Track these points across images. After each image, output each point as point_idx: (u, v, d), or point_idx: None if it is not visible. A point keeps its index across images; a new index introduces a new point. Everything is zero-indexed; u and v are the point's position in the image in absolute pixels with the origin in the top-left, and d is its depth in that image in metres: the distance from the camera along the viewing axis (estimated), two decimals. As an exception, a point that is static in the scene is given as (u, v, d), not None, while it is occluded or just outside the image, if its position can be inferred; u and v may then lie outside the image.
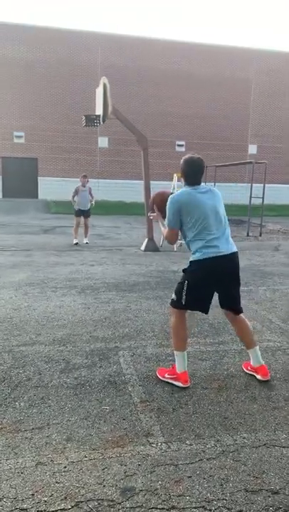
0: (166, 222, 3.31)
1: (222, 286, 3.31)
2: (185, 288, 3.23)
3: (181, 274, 3.36)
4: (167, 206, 3.25)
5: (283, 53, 26.68)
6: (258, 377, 3.38)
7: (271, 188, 22.45)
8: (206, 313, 3.35)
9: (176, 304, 3.31)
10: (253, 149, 26.80)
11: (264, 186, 13.48)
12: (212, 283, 3.25)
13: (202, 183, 3.36)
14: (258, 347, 3.46)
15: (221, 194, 3.43)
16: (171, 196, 3.27)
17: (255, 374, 3.43)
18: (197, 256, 3.20)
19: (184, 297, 3.24)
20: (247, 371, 3.51)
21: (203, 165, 3.34)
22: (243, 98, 26.27)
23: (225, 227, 3.33)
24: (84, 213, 10.56)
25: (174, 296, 3.34)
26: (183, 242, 3.67)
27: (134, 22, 57.09)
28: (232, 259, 3.27)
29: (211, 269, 3.19)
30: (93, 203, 10.80)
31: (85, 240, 10.53)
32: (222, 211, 3.33)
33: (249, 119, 26.74)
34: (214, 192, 3.34)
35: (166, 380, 3.32)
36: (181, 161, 3.34)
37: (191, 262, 3.27)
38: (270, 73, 26.32)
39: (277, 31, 63.34)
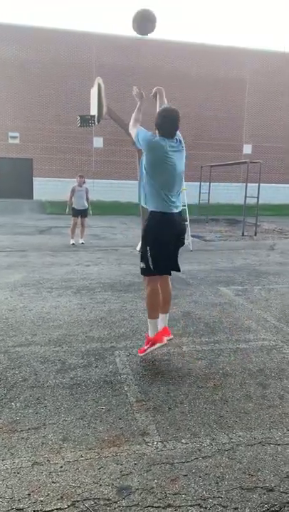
0: (137, 130, 3.51)
1: (175, 244, 3.59)
2: (149, 253, 3.47)
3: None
4: (149, 136, 3.41)
5: (278, 53, 26.77)
6: (158, 344, 3.62)
7: (266, 187, 22.52)
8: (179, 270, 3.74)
9: (146, 272, 3.56)
10: (247, 149, 26.86)
11: (259, 186, 13.52)
12: (169, 238, 3.50)
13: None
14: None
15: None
16: (154, 136, 3.43)
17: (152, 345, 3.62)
18: (157, 209, 3.44)
19: (150, 264, 3.49)
20: (144, 352, 3.66)
21: (178, 116, 3.44)
22: (237, 98, 26.33)
23: (180, 187, 3.59)
24: (81, 213, 10.52)
25: (142, 264, 3.55)
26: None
27: (128, 22, 57.15)
28: (181, 217, 3.65)
29: (165, 227, 3.45)
30: (87, 204, 10.56)
31: (81, 240, 10.52)
32: (182, 168, 3.57)
33: (244, 119, 26.81)
34: (183, 149, 3.52)
35: (148, 351, 3.61)
36: (157, 112, 3.47)
37: (150, 214, 3.51)
38: (264, 73, 26.39)
39: (271, 31, 63.54)
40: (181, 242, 3.69)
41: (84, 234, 10.72)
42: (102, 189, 24.39)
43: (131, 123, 3.64)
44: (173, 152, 3.42)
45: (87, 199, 10.56)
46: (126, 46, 24.42)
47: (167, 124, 3.41)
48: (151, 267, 3.51)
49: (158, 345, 3.62)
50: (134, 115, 3.67)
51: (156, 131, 3.47)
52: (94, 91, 9.84)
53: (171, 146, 3.43)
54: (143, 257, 3.55)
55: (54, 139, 24.45)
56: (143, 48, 24.62)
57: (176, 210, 3.53)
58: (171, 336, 3.79)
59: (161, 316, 3.74)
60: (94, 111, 9.82)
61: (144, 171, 3.53)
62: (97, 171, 25.12)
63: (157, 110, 3.75)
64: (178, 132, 3.54)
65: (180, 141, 3.53)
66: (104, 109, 9.31)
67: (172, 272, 3.79)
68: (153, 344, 3.62)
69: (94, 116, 9.81)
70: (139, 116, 3.67)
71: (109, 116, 9.53)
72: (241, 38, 61.53)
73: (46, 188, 24.28)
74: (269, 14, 65.37)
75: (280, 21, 64.05)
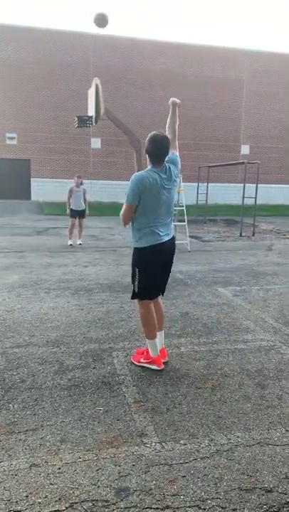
0: (125, 198, 3.35)
1: (164, 270, 3.60)
2: (137, 276, 3.46)
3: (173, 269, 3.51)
4: (130, 182, 3.29)
5: (275, 54, 26.82)
6: (162, 366, 3.55)
7: (264, 188, 22.55)
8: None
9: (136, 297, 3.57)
10: (245, 150, 26.90)
11: (256, 186, 13.53)
12: (159, 267, 3.51)
13: (164, 164, 3.38)
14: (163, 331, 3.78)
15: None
16: (136, 174, 3.33)
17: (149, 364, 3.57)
18: (143, 243, 3.40)
19: (136, 285, 3.49)
20: (139, 363, 3.60)
21: (167, 144, 3.32)
22: (235, 99, 26.37)
23: (171, 215, 3.54)
24: (79, 214, 10.47)
25: (132, 286, 3.55)
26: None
27: (125, 23, 57.14)
28: (172, 244, 3.57)
29: (157, 255, 3.44)
30: (85, 205, 10.49)
31: (79, 241, 10.49)
32: (173, 199, 3.52)
33: (241, 119, 26.85)
34: (172, 177, 3.41)
35: (141, 364, 3.55)
36: (146, 138, 3.36)
37: (137, 248, 3.47)
38: (262, 74, 26.44)
39: (268, 32, 63.69)
40: (170, 266, 3.66)
41: (82, 235, 10.69)
42: (100, 190, 24.38)
43: (122, 211, 3.40)
44: (163, 189, 3.32)
45: (85, 200, 10.50)
46: (123, 47, 24.43)
47: (156, 151, 3.30)
48: (136, 291, 3.51)
49: (154, 367, 3.51)
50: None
51: (147, 158, 3.38)
52: (91, 91, 9.84)
53: (162, 181, 3.31)
54: (132, 280, 3.53)
55: (52, 140, 24.43)
56: (140, 48, 24.63)
57: (166, 239, 3.46)
58: (167, 358, 3.69)
59: (157, 334, 3.63)
60: (91, 111, 9.82)
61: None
62: (95, 171, 25.11)
63: (167, 124, 3.72)
64: (175, 156, 3.49)
65: (169, 168, 3.39)
66: (102, 110, 9.31)
67: (170, 274, 3.76)
68: (150, 363, 3.54)
69: (91, 116, 9.82)
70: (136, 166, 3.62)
71: (106, 117, 9.53)
72: (239, 38, 61.63)
73: (44, 188, 24.26)
74: (266, 15, 65.53)
75: (278, 22, 64.23)
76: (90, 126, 10.22)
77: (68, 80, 23.78)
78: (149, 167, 3.38)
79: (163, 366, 3.54)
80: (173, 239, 3.58)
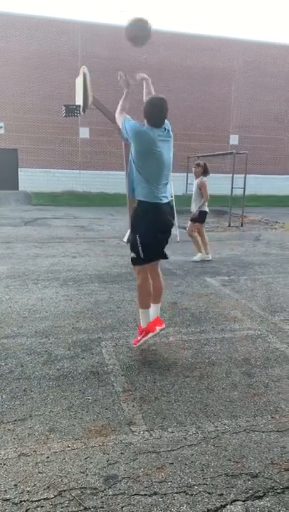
0: (123, 118, 3.46)
1: (165, 233, 3.62)
2: (139, 243, 3.48)
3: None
4: (136, 125, 3.38)
5: (265, 44, 26.71)
6: (151, 333, 3.62)
7: (252, 178, 22.62)
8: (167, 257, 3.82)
9: (137, 261, 3.59)
10: (234, 140, 26.88)
11: (245, 177, 13.57)
12: (159, 229, 3.55)
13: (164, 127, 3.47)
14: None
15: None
16: (142, 125, 3.41)
17: (145, 336, 3.64)
18: (145, 197, 3.44)
19: (140, 252, 3.51)
20: (138, 343, 3.68)
21: (166, 105, 3.41)
22: (224, 88, 26.26)
23: (169, 177, 3.59)
24: None
25: (132, 254, 3.58)
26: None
27: (115, 11, 56.34)
28: (171, 207, 3.66)
29: (155, 216, 3.47)
30: None
31: None
32: (171, 160, 3.57)
33: (231, 109, 26.79)
34: (171, 139, 3.51)
35: (141, 343, 3.63)
36: (144, 102, 3.46)
37: (138, 204, 3.52)
38: (251, 64, 26.35)
39: (259, 22, 63.36)
40: (169, 232, 3.69)
41: None
42: (89, 180, 24.23)
43: (117, 111, 3.59)
44: (161, 142, 3.40)
45: None
46: (111, 35, 24.13)
47: (155, 112, 3.39)
48: (142, 255, 3.52)
49: (150, 335, 3.62)
50: (120, 103, 3.62)
51: (145, 121, 3.45)
52: (79, 80, 9.72)
53: (159, 135, 3.41)
54: (133, 246, 3.56)
55: (39, 129, 24.13)
56: (129, 37, 24.32)
57: (165, 200, 3.52)
58: (164, 326, 3.76)
59: (153, 306, 3.74)
60: (79, 100, 9.70)
61: (132, 162, 3.51)
62: (84, 161, 24.91)
63: (144, 99, 3.73)
64: (166, 121, 3.52)
65: (168, 130, 3.52)
66: (90, 99, 9.20)
67: (159, 263, 3.79)
68: (146, 334, 3.63)
69: (79, 106, 9.70)
70: (126, 105, 3.63)
71: (94, 106, 9.44)
72: (229, 28, 61.25)
73: (32, 178, 24.02)
74: (257, 4, 65.12)
75: (269, 11, 63.90)
76: (78, 116, 10.10)
77: (56, 68, 23.44)
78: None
79: (158, 330, 3.63)
80: (171, 202, 3.65)
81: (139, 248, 3.50)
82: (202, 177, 7.61)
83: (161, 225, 3.57)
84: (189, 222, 7.72)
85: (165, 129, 3.48)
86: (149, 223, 3.49)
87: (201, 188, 7.50)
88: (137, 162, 3.43)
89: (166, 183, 3.57)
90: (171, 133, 3.55)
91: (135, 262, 3.61)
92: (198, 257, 7.60)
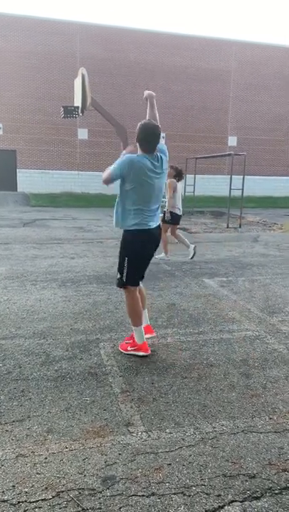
0: (110, 167, 3.39)
1: (148, 257, 3.67)
2: (126, 264, 3.51)
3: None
4: (119, 160, 3.35)
5: (263, 45, 26.77)
6: (146, 336, 3.69)
7: (251, 179, 22.64)
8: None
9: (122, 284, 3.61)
10: (232, 141, 26.92)
11: (243, 178, 13.59)
12: (146, 254, 3.60)
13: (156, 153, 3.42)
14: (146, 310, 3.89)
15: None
16: (128, 156, 3.36)
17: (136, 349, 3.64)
18: (132, 226, 3.44)
19: (125, 274, 3.53)
20: (127, 352, 3.66)
21: (159, 132, 3.37)
22: (222, 90, 26.31)
23: (159, 203, 3.59)
24: None
25: (118, 275, 3.60)
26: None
27: (114, 12, 56.51)
28: (158, 232, 3.64)
29: (144, 242, 3.50)
30: None
31: None
32: (162, 187, 3.56)
33: (229, 110, 26.83)
34: (163, 166, 3.46)
35: (129, 352, 3.60)
36: (137, 127, 3.39)
37: (126, 232, 3.52)
38: (250, 65, 26.40)
39: (257, 23, 63.54)
40: (153, 253, 3.75)
41: None
42: (87, 181, 24.22)
43: (105, 173, 3.42)
44: (153, 174, 3.36)
45: None
46: (109, 36, 24.16)
47: (147, 139, 3.34)
48: (124, 279, 3.55)
49: (141, 353, 3.59)
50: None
51: (138, 146, 3.40)
52: (77, 81, 9.74)
53: (153, 167, 3.36)
54: (120, 268, 3.57)
55: (38, 131, 24.14)
56: (126, 38, 24.38)
57: (154, 225, 3.54)
58: (154, 334, 3.86)
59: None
60: (78, 102, 9.72)
61: (120, 194, 3.48)
62: (82, 162, 24.90)
63: (147, 117, 3.66)
64: (163, 147, 3.52)
65: (161, 158, 3.44)
66: (89, 100, 9.22)
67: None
68: (137, 350, 3.62)
69: (78, 107, 9.71)
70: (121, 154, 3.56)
71: (93, 107, 9.45)
72: (227, 29, 61.40)
73: (30, 180, 24.01)
74: (254, 5, 65.28)
75: (266, 12, 64.09)
76: (76, 117, 10.12)
77: (54, 69, 23.46)
78: (140, 153, 3.40)
79: (149, 352, 3.62)
80: (159, 227, 3.66)
81: (124, 272, 3.52)
82: (173, 179, 7.69)
83: (150, 249, 3.62)
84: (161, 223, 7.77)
85: (158, 157, 3.40)
86: (138, 250, 3.53)
87: (168, 186, 7.55)
88: (126, 187, 3.38)
89: (158, 207, 3.58)
90: (164, 163, 3.47)
91: (120, 284, 3.63)
92: (161, 256, 7.63)
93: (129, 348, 3.66)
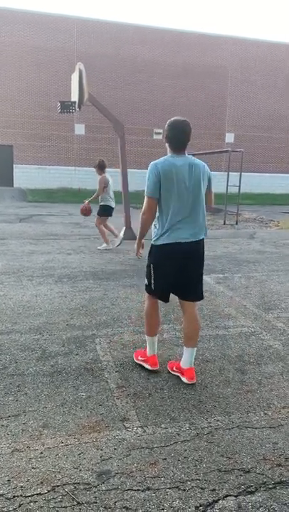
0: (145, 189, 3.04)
1: (182, 272, 3.16)
2: (152, 272, 3.19)
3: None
4: (148, 172, 3.01)
5: (261, 42, 26.73)
6: (184, 379, 3.15)
7: (248, 176, 22.67)
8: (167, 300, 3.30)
9: (148, 289, 3.31)
10: (230, 138, 26.91)
11: (240, 175, 13.59)
12: (173, 269, 3.12)
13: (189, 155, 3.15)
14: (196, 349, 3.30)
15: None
16: (152, 162, 3.04)
17: (180, 375, 3.21)
18: (160, 240, 3.08)
19: (152, 282, 3.21)
20: (172, 371, 3.28)
21: (188, 129, 3.07)
22: (220, 86, 26.27)
23: (197, 211, 3.09)
24: None
25: (146, 280, 3.32)
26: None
27: (112, 7, 56.18)
28: (196, 245, 3.15)
29: (171, 257, 3.09)
30: None
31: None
32: (199, 192, 3.08)
33: (226, 107, 26.81)
34: (198, 167, 3.08)
35: (138, 362, 3.41)
36: (166, 125, 3.12)
37: (151, 246, 3.18)
38: (248, 62, 26.37)
39: (255, 20, 63.38)
40: (192, 269, 3.24)
41: None
42: (84, 177, 24.17)
43: (143, 209, 3.10)
44: (182, 176, 3.00)
45: None
46: (107, 32, 24.05)
47: (177, 135, 3.07)
48: (152, 287, 3.22)
49: (147, 366, 3.31)
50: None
51: (166, 145, 3.14)
52: (75, 76, 9.69)
53: (183, 167, 3.02)
54: (147, 274, 3.27)
55: (35, 126, 24.05)
56: (125, 34, 24.29)
57: (187, 238, 3.06)
58: (194, 381, 3.13)
59: (185, 349, 3.23)
60: (75, 97, 9.68)
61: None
62: (79, 158, 24.85)
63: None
64: (201, 164, 3.14)
65: (193, 163, 3.09)
66: (86, 95, 9.18)
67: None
68: (145, 362, 3.35)
69: (75, 102, 9.67)
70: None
71: (90, 103, 9.41)
72: (225, 25, 61.19)
73: (27, 175, 23.94)
74: (255, 3, 65.09)
75: (264, 10, 63.89)
76: (73, 112, 10.08)
77: (51, 64, 23.35)
78: (168, 155, 3.10)
79: (157, 367, 3.28)
80: (199, 241, 3.16)
81: (152, 279, 3.20)
82: (103, 174, 8.33)
83: (178, 266, 3.14)
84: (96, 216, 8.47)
85: (191, 165, 3.06)
86: (161, 266, 3.16)
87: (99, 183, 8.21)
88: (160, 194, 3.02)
89: (192, 217, 3.07)
90: (201, 174, 3.10)
91: (147, 289, 3.32)
92: (103, 246, 8.43)
93: (139, 358, 3.42)
